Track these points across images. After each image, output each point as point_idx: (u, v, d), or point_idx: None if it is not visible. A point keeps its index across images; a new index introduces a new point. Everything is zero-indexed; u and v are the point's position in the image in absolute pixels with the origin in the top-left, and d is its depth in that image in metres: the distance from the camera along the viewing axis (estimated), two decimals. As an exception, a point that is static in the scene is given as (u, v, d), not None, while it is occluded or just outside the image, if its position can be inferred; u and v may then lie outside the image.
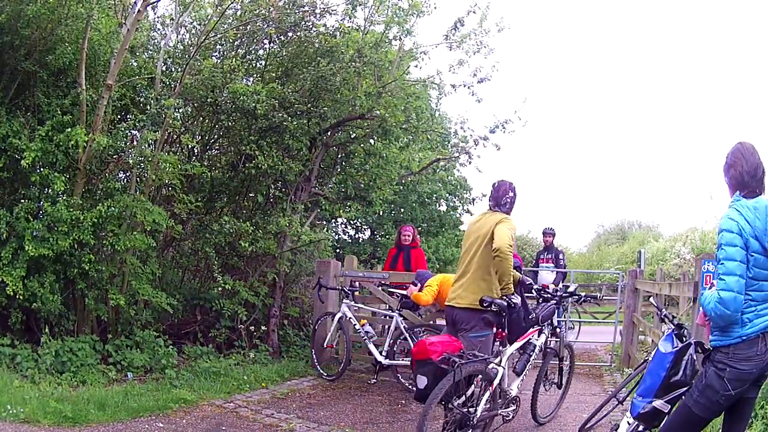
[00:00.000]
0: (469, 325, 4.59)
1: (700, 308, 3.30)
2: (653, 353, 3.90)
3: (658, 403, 3.55)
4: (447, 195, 14.72)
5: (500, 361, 4.53)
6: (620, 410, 4.77)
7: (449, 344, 4.25)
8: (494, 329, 4.69)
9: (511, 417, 4.81)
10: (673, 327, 4.01)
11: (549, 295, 5.47)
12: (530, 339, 5.03)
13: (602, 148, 57.37)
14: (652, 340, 7.62)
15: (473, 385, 4.18)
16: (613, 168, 53.91)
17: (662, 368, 3.59)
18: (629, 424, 3.77)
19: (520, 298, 4.70)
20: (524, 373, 4.89)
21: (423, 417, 3.91)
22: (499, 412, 4.55)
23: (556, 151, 55.50)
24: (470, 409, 4.11)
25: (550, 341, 5.46)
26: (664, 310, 4.59)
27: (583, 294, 5.81)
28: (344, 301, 7.22)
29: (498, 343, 4.83)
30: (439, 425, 4.37)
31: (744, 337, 3.03)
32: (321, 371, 7.17)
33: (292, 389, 6.62)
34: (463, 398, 4.09)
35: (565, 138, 56.25)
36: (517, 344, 4.87)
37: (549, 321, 5.27)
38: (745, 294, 3.05)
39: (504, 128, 9.06)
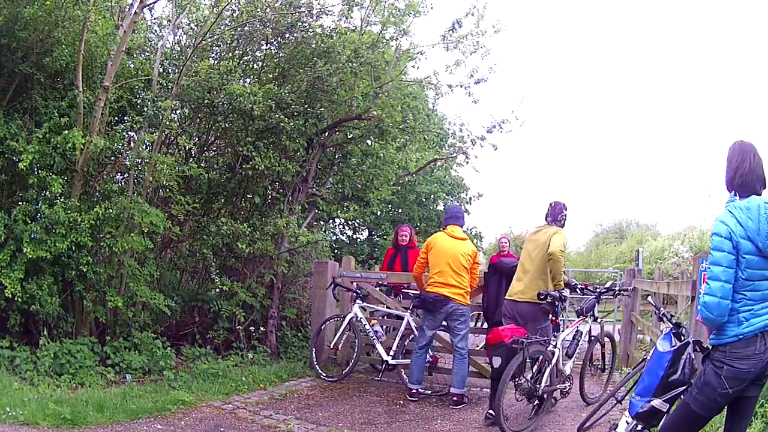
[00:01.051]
0: (533, 317, 5.54)
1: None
2: (651, 352, 3.91)
3: (656, 402, 3.56)
4: (444, 195, 14.73)
5: (556, 344, 5.43)
6: (619, 409, 4.78)
7: (516, 330, 5.21)
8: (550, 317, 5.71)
9: (567, 390, 5.74)
10: (671, 326, 4.03)
11: (590, 291, 6.35)
12: (578, 327, 5.94)
13: (600, 147, 57.45)
14: (651, 339, 7.65)
15: (536, 365, 5.17)
16: (612, 167, 53.95)
17: (660, 367, 3.60)
18: (628, 423, 3.78)
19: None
20: (575, 355, 5.81)
21: (500, 388, 4.82)
22: (558, 387, 5.51)
23: (554, 150, 55.54)
24: (536, 384, 5.10)
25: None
26: (662, 308, 4.62)
27: (617, 288, 6.50)
28: (356, 302, 7.21)
29: (552, 329, 5.74)
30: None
31: (740, 336, 3.04)
32: (320, 371, 7.16)
33: (290, 390, 6.61)
34: (530, 374, 5.11)
35: (563, 137, 56.32)
36: (567, 331, 5.83)
37: (591, 312, 6.07)
38: (740, 294, 3.06)
39: (501, 128, 9.10)
